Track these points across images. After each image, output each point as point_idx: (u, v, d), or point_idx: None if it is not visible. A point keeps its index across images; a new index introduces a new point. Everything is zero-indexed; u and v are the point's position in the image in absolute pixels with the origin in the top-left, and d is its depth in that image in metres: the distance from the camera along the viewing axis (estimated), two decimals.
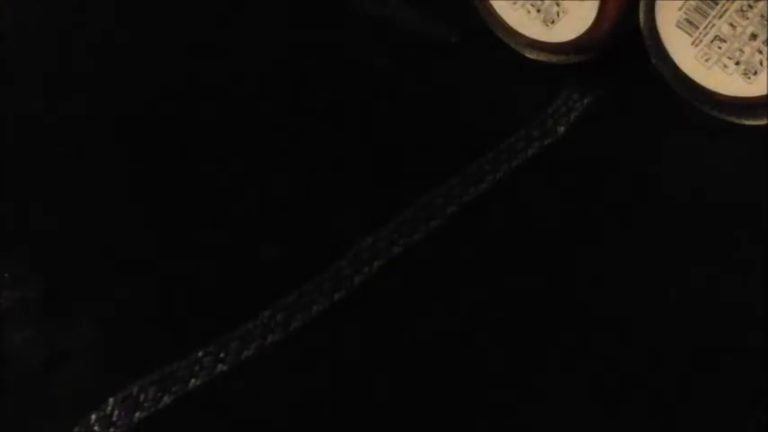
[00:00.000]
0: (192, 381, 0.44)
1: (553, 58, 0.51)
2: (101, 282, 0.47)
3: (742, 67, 0.46)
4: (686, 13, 0.46)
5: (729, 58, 0.46)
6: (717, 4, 0.46)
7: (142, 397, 0.44)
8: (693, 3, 0.46)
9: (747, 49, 0.46)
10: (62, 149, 0.52)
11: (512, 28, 0.51)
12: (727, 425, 0.41)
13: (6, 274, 0.47)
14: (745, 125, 0.47)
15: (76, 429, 0.43)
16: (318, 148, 0.50)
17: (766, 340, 0.43)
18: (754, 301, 0.44)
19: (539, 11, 0.49)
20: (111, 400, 0.44)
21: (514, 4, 0.50)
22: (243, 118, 0.52)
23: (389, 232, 0.47)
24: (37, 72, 0.55)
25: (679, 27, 0.47)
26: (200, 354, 0.44)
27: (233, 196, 0.49)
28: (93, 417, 0.43)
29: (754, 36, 0.46)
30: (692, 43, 0.46)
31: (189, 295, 0.46)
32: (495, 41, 0.51)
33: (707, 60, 0.46)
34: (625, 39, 0.49)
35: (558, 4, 0.49)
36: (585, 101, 0.50)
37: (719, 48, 0.46)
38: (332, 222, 0.48)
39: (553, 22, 0.49)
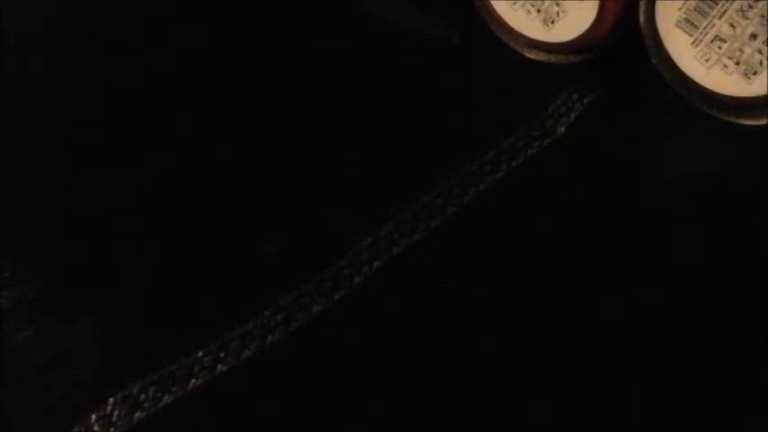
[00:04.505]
0: (192, 381, 0.44)
1: (553, 58, 0.51)
2: (101, 282, 0.47)
3: (742, 67, 0.46)
4: (686, 13, 0.46)
5: (729, 58, 0.46)
6: (717, 4, 0.46)
7: (142, 397, 0.44)
8: (693, 3, 0.46)
9: (747, 49, 0.46)
10: (62, 149, 0.52)
11: (512, 28, 0.51)
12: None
13: (6, 274, 0.47)
14: (744, 125, 0.47)
15: (76, 429, 0.43)
16: (318, 148, 0.50)
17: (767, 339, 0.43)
18: (755, 299, 0.44)
19: (539, 11, 0.49)
20: (111, 400, 0.44)
21: (514, 4, 0.50)
22: (242, 117, 0.52)
23: (389, 232, 0.47)
24: (37, 72, 0.55)
25: (679, 27, 0.47)
26: (200, 354, 0.44)
27: (233, 196, 0.49)
28: (93, 417, 0.43)
29: (754, 36, 0.46)
30: (692, 43, 0.46)
31: (189, 295, 0.46)
32: (496, 41, 0.51)
33: (707, 60, 0.46)
34: (625, 39, 0.49)
35: (557, 4, 0.49)
36: (585, 101, 0.50)
37: (719, 48, 0.46)
38: (332, 222, 0.48)
39: (553, 22, 0.49)
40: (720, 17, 0.46)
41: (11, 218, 0.49)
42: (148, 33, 0.55)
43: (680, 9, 0.46)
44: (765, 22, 0.45)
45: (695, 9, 0.46)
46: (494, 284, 0.46)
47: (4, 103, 0.53)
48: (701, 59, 0.47)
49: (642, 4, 0.47)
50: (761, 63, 0.46)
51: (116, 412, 0.43)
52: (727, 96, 0.47)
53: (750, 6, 0.45)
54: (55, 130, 0.52)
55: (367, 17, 0.54)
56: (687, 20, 0.46)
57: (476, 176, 0.48)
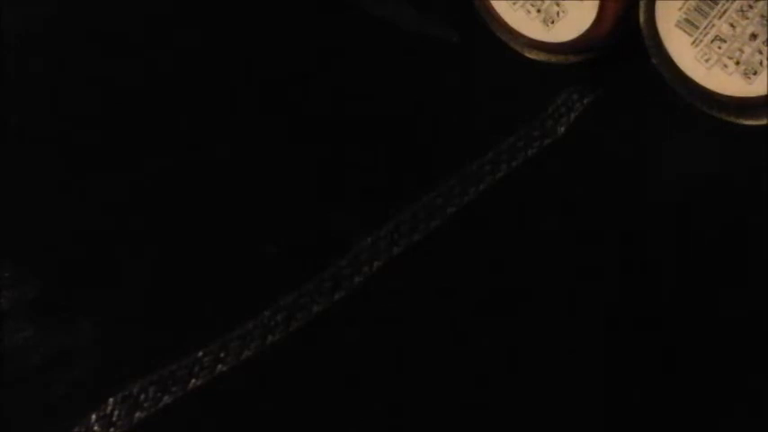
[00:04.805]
0: (192, 381, 0.44)
1: (553, 58, 0.51)
2: (101, 282, 0.47)
3: (742, 67, 0.46)
4: (686, 13, 0.46)
5: (729, 58, 0.46)
6: (717, 3, 0.46)
7: (142, 397, 0.44)
8: (693, 3, 0.46)
9: (747, 49, 0.46)
10: (62, 149, 0.52)
11: (512, 28, 0.51)
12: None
13: (6, 274, 0.47)
14: (744, 125, 0.47)
15: (76, 429, 0.43)
16: (318, 148, 0.50)
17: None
18: (755, 299, 0.44)
19: (539, 11, 0.49)
20: (111, 400, 0.44)
21: (514, 4, 0.50)
22: (242, 117, 0.52)
23: (389, 232, 0.47)
24: (37, 72, 0.55)
25: (679, 27, 0.47)
26: (200, 354, 0.44)
27: (233, 196, 0.49)
28: (93, 417, 0.43)
29: (754, 36, 0.46)
30: (692, 43, 0.46)
31: (189, 295, 0.46)
32: (496, 41, 0.51)
33: (707, 60, 0.46)
34: (625, 39, 0.49)
35: (557, 4, 0.49)
36: (585, 101, 0.50)
37: (719, 48, 0.46)
38: (332, 222, 0.48)
39: (553, 22, 0.49)
40: (720, 17, 0.46)
41: (11, 218, 0.49)
42: (148, 33, 0.55)
43: (680, 9, 0.46)
44: (765, 22, 0.45)
45: (695, 9, 0.46)
46: (494, 284, 0.46)
47: (4, 103, 0.53)
48: (701, 59, 0.47)
49: (642, 4, 0.47)
50: (761, 63, 0.46)
51: (116, 412, 0.43)
52: (727, 96, 0.47)
53: (750, 6, 0.45)
54: (55, 130, 0.52)
55: (367, 17, 0.54)
56: (687, 20, 0.46)
57: (476, 176, 0.48)
